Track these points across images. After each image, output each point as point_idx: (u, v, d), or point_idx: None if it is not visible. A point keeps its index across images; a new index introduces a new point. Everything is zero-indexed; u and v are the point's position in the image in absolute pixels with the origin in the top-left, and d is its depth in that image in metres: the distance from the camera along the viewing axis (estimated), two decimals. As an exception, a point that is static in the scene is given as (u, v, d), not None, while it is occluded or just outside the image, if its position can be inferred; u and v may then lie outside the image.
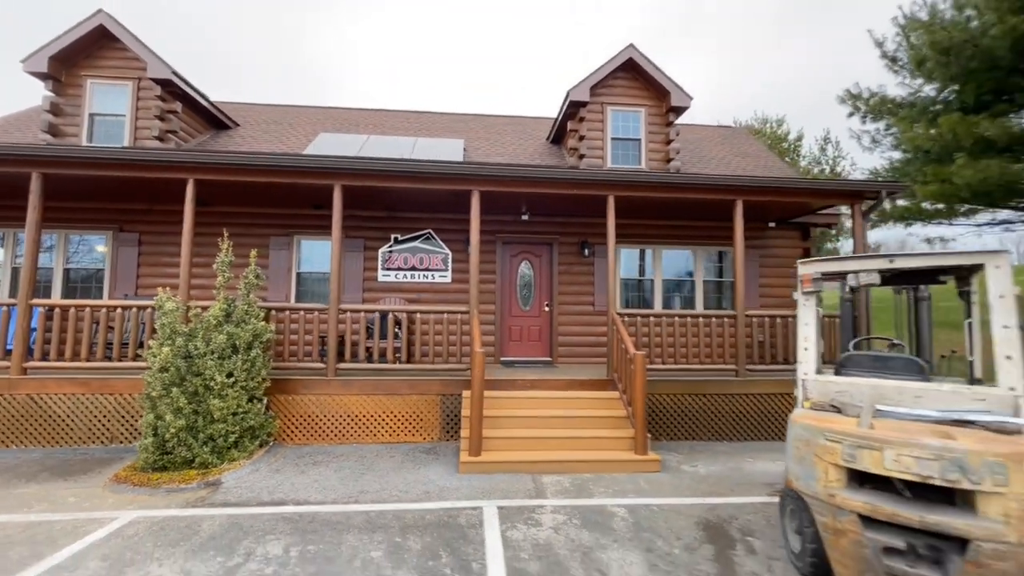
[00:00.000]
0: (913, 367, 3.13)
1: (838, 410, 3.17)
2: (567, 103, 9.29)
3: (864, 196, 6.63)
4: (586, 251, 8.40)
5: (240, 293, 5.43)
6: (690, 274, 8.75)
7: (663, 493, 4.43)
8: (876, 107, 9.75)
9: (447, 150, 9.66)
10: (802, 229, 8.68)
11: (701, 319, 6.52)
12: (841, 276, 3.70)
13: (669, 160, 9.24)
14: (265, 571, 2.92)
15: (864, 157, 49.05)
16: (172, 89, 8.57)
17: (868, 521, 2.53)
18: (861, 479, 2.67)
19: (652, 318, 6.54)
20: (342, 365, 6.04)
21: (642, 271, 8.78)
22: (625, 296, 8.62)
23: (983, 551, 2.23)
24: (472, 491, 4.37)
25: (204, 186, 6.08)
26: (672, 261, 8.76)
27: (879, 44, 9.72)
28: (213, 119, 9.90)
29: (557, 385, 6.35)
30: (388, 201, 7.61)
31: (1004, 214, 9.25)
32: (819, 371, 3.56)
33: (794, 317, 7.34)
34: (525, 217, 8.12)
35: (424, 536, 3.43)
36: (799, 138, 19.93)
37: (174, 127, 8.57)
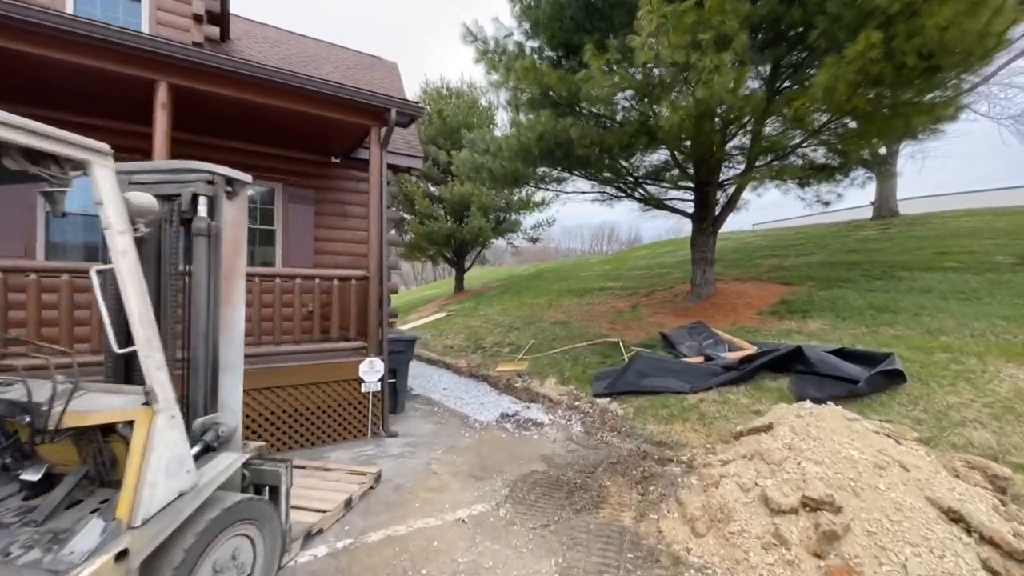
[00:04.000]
0: None
1: None
2: None
3: (382, 117, 4.96)
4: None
5: None
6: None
7: None
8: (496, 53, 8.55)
9: None
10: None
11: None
12: None
13: (199, 44, 6.20)
14: None
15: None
16: None
17: None
18: None
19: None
20: None
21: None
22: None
23: None
24: None
25: None
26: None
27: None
28: None
29: None
30: None
31: (588, 185, 9.61)
32: None
33: (361, 280, 5.46)
34: None
35: None
36: (495, 109, 20.22)
37: None
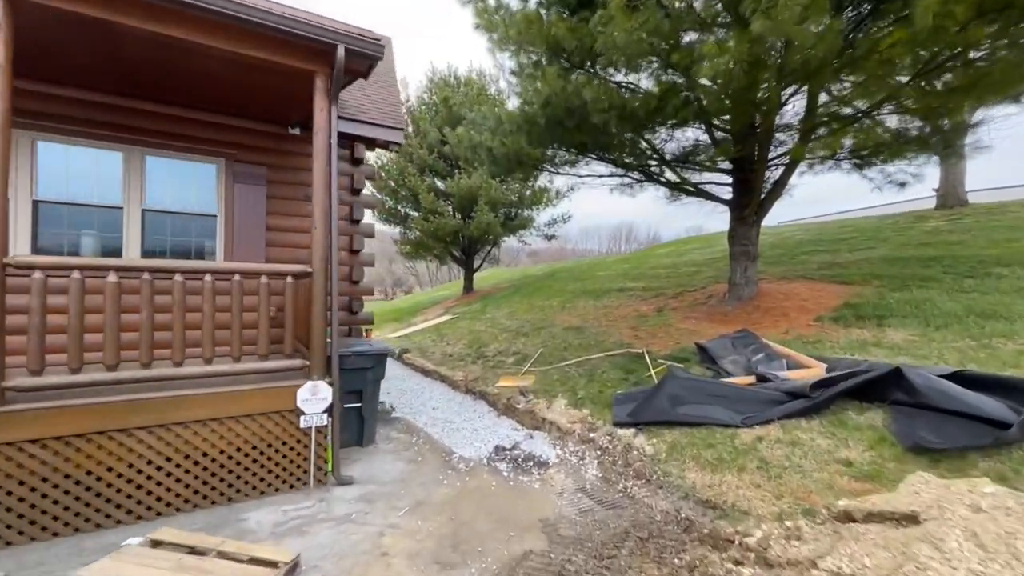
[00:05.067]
0: None
1: None
2: None
3: (327, 57, 3.73)
4: None
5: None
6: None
7: None
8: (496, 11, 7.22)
9: None
10: (348, 146, 5.76)
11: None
12: None
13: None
14: None
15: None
16: None
17: None
18: None
19: None
20: None
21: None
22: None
23: None
24: None
25: None
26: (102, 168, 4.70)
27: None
28: None
29: None
30: None
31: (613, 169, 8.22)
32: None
33: (300, 277, 4.21)
34: None
35: None
36: (506, 97, 18.96)
37: None
